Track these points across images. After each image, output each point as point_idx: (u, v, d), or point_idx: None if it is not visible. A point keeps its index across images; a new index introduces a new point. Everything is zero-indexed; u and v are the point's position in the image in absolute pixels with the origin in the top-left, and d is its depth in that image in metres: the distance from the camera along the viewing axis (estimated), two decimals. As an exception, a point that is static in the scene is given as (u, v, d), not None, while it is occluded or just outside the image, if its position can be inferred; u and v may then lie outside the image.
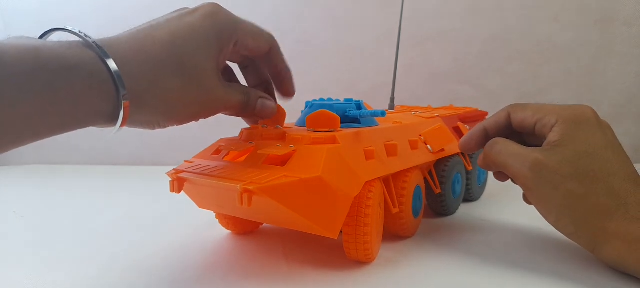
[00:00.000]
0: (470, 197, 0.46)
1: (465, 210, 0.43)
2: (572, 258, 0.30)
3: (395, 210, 0.32)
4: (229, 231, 0.37)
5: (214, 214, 0.36)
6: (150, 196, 0.53)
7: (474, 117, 0.48)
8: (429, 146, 0.36)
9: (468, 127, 0.44)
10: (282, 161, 0.27)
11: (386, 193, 0.32)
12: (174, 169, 0.30)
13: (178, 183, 0.29)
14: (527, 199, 0.32)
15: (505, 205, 0.45)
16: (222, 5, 0.28)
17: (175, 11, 0.27)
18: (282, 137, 0.31)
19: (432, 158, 0.36)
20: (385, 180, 0.32)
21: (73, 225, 0.42)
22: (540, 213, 0.29)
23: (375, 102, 0.48)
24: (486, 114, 0.51)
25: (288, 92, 0.33)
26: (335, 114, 0.30)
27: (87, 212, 0.47)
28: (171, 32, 0.24)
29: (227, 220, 0.36)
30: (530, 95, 0.71)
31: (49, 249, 0.35)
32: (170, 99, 0.24)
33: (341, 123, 0.32)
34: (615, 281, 0.26)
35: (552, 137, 0.28)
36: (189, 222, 0.40)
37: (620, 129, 0.33)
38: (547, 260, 0.30)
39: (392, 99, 0.50)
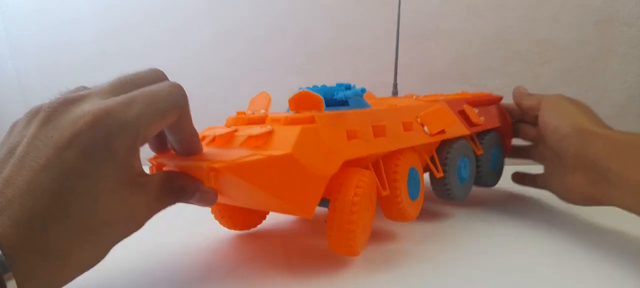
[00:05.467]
0: (482, 182, 0.44)
1: (468, 213, 0.43)
2: (575, 265, 0.30)
3: (385, 193, 0.31)
4: (229, 229, 0.37)
5: (210, 210, 0.36)
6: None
7: (486, 100, 0.45)
8: (426, 128, 0.35)
9: (476, 111, 0.42)
10: (259, 142, 0.27)
11: (375, 175, 0.31)
12: (155, 155, 0.29)
13: (157, 169, 0.28)
14: (535, 156, 0.43)
15: (510, 209, 0.45)
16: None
17: (38, 136, 0.20)
18: (263, 120, 0.30)
19: (429, 140, 0.35)
20: (376, 164, 0.32)
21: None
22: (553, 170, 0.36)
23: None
24: (500, 97, 0.48)
25: (195, 153, 0.27)
26: (317, 95, 0.29)
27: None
28: (51, 192, 0.18)
29: (223, 217, 0.36)
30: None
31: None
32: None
33: (329, 105, 0.31)
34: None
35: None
36: (188, 221, 0.40)
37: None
38: (549, 268, 0.30)
39: (395, 85, 0.49)
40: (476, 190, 0.47)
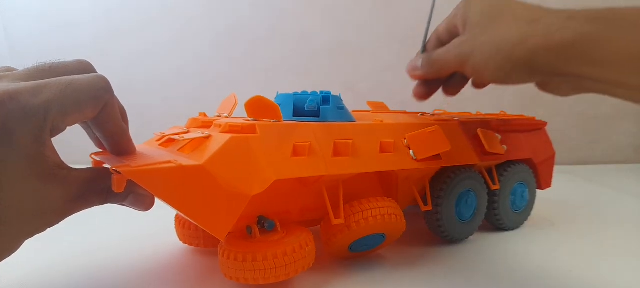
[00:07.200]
0: (497, 223, 0.37)
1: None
2: None
3: (336, 221, 0.27)
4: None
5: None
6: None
7: (517, 126, 0.38)
8: (412, 151, 0.30)
9: (499, 137, 0.36)
10: (193, 148, 0.24)
11: (327, 200, 0.27)
12: (97, 152, 0.27)
13: (96, 165, 0.26)
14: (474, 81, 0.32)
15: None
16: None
17: None
18: (210, 124, 0.28)
19: (414, 166, 0.30)
20: (332, 187, 0.28)
21: (66, 226, 0.41)
22: (483, 77, 0.27)
23: (377, 100, 0.48)
24: (542, 123, 0.40)
25: (123, 152, 0.25)
26: (272, 102, 0.26)
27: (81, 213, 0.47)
28: None
29: (183, 234, 0.33)
30: (529, 94, 0.71)
31: (42, 248, 0.35)
32: None
33: (299, 115, 0.29)
34: None
35: (459, 23, 0.28)
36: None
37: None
38: None
39: (425, 42, 0.42)
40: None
